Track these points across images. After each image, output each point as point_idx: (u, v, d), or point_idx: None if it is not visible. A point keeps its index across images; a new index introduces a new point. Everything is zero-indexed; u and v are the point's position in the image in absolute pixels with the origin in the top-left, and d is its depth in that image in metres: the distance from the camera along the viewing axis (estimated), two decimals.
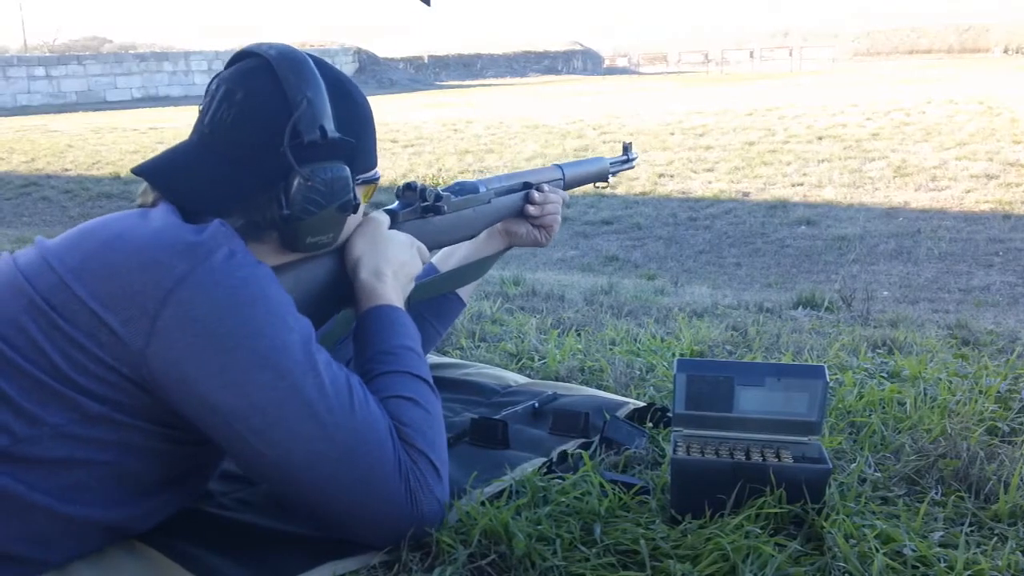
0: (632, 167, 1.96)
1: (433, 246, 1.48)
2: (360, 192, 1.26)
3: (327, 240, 1.23)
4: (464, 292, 1.70)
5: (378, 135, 1.31)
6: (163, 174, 1.18)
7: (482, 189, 1.56)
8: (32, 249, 1.14)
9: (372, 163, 1.28)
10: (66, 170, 11.19)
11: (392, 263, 1.32)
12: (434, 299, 1.63)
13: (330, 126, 1.16)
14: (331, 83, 1.19)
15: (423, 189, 1.44)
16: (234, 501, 1.32)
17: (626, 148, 1.96)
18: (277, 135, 1.13)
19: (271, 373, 1.06)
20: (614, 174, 1.88)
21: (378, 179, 1.31)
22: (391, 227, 1.37)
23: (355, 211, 1.24)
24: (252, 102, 1.15)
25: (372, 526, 1.13)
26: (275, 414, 1.06)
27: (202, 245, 1.07)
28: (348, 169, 1.20)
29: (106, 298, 1.04)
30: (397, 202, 1.44)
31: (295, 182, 1.15)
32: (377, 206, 1.39)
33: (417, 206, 1.43)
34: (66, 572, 1.11)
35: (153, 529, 1.19)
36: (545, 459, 1.43)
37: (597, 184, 1.87)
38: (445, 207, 1.46)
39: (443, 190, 1.49)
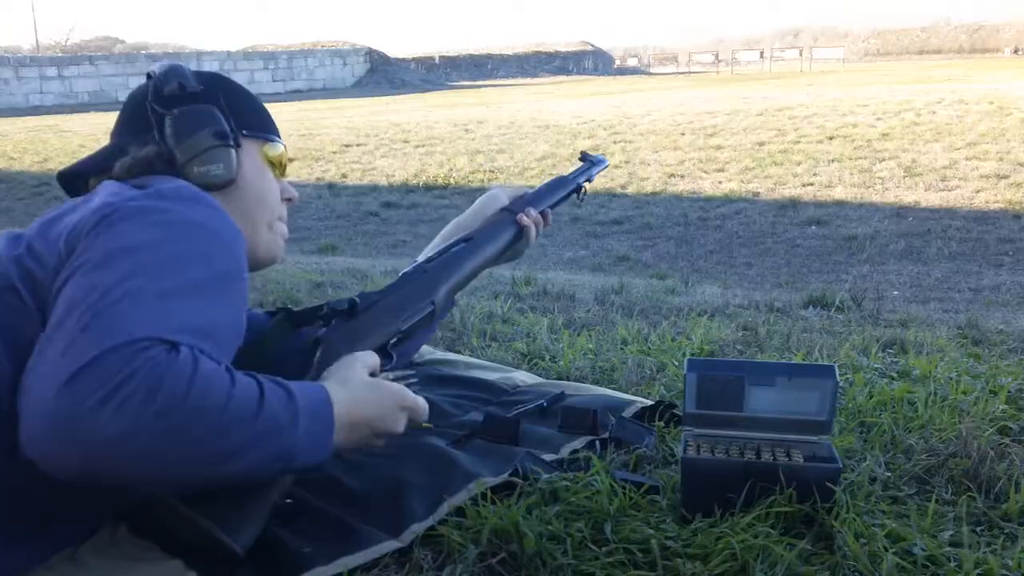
0: (604, 167, 1.89)
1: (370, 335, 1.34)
2: (256, 149, 1.34)
3: (218, 171, 1.27)
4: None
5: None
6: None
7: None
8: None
9: (265, 126, 1.37)
10: None
11: (367, 407, 1.17)
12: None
13: (190, 84, 1.28)
14: (198, 73, 1.32)
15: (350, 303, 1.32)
16: None
17: (584, 156, 1.87)
18: (145, 100, 1.28)
19: (130, 270, 0.98)
20: (586, 183, 1.81)
21: (276, 142, 1.38)
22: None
23: (237, 145, 1.29)
24: (131, 95, 1.34)
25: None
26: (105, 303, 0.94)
27: (151, 186, 1.13)
28: (215, 108, 1.28)
29: (71, 242, 1.03)
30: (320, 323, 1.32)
31: (166, 120, 1.25)
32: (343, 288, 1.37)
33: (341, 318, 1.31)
34: (73, 557, 1.10)
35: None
36: (555, 456, 1.45)
37: (576, 197, 1.81)
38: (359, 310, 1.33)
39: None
